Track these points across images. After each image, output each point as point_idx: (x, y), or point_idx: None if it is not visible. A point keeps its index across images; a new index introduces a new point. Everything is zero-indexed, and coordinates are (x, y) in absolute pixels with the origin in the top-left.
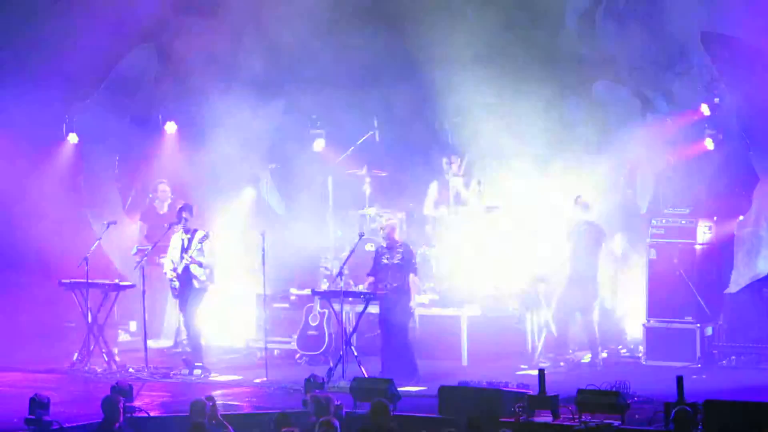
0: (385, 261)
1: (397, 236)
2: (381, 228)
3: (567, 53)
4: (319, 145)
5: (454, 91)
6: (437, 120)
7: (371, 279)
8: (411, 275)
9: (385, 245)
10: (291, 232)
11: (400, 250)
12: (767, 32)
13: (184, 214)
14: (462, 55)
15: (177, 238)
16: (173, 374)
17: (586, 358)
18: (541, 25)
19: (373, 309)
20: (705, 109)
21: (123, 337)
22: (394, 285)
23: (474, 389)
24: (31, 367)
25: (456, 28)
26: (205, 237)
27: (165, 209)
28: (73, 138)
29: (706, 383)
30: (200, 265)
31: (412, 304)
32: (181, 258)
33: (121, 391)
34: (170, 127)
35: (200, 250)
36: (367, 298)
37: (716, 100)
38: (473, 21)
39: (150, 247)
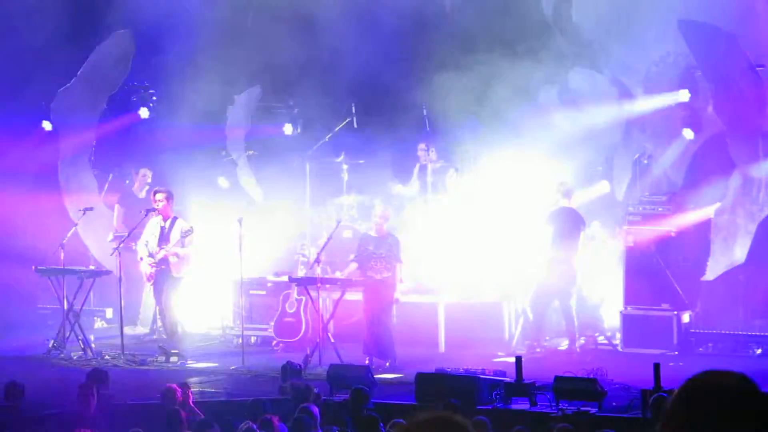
0: (371, 249)
1: (384, 229)
2: (377, 216)
3: (543, 40)
4: (288, 129)
5: (433, 78)
6: (416, 107)
7: (355, 265)
8: (397, 265)
9: (374, 234)
10: (268, 218)
11: (388, 240)
12: (744, 19)
13: (158, 197)
14: (440, 42)
15: (154, 223)
16: (150, 361)
17: (564, 345)
18: (517, 12)
19: (350, 296)
20: (683, 95)
21: (99, 324)
22: (387, 275)
23: (451, 376)
24: (6, 354)
25: (434, 15)
26: (189, 232)
27: (143, 194)
28: (47, 125)
29: (683, 370)
30: (177, 256)
31: (397, 294)
32: (159, 246)
33: (97, 378)
34: (144, 113)
35: (180, 241)
36: (344, 285)
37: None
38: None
39: (127, 234)
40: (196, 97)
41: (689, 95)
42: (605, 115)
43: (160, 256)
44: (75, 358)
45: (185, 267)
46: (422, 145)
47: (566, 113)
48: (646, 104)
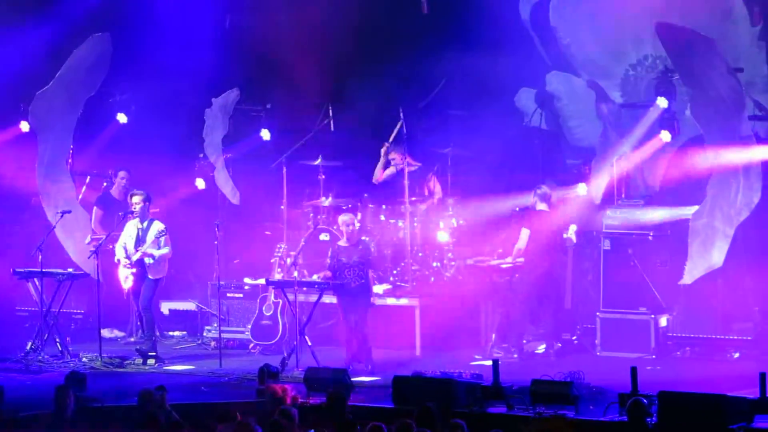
0: (344, 260)
1: (354, 237)
2: (342, 225)
3: (520, 44)
4: (266, 135)
5: (410, 81)
6: (393, 109)
7: (328, 274)
8: (370, 270)
9: (345, 243)
10: (245, 221)
11: (360, 248)
12: (721, 23)
13: (135, 200)
14: (417, 44)
15: (132, 226)
16: (127, 364)
17: (540, 348)
18: (494, 15)
19: (327, 299)
20: (662, 102)
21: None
22: (361, 282)
23: (428, 379)
24: None
25: (411, 17)
26: (163, 232)
27: (122, 197)
28: (24, 126)
29: (660, 374)
30: (153, 257)
31: (372, 299)
32: (136, 249)
33: (75, 380)
34: (122, 118)
35: (155, 241)
36: (321, 288)
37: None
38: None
39: (104, 237)
40: (173, 99)
41: (667, 102)
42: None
43: (135, 257)
44: (53, 360)
45: (162, 269)
46: (392, 148)
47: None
48: (637, 133)
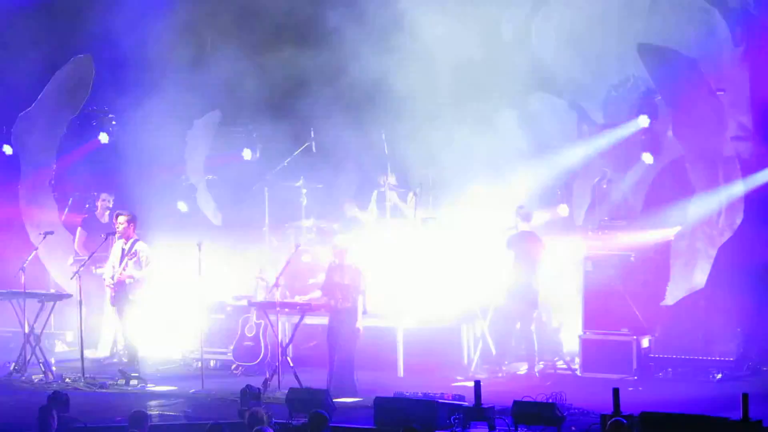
0: (337, 280)
1: (347, 260)
2: (334, 247)
3: (503, 65)
4: (247, 154)
5: (391, 103)
6: (374, 132)
7: (319, 293)
8: (359, 296)
9: (337, 262)
10: (227, 242)
11: (350, 271)
12: (704, 44)
13: (119, 220)
14: (396, 65)
15: (118, 246)
16: (110, 385)
17: (523, 369)
18: (476, 36)
19: (309, 320)
20: (643, 121)
21: (60, 347)
22: (347, 305)
23: (410, 400)
24: None
25: (391, 39)
26: (134, 254)
27: (105, 218)
28: (7, 149)
29: (642, 395)
30: (133, 278)
31: (358, 325)
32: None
33: (58, 401)
34: (103, 137)
35: (136, 262)
36: (303, 310)
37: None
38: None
39: (87, 257)
40: (155, 120)
41: (649, 120)
42: (576, 156)
43: (116, 277)
44: (36, 381)
45: (141, 289)
46: (382, 173)
47: (543, 159)
48: (610, 137)
